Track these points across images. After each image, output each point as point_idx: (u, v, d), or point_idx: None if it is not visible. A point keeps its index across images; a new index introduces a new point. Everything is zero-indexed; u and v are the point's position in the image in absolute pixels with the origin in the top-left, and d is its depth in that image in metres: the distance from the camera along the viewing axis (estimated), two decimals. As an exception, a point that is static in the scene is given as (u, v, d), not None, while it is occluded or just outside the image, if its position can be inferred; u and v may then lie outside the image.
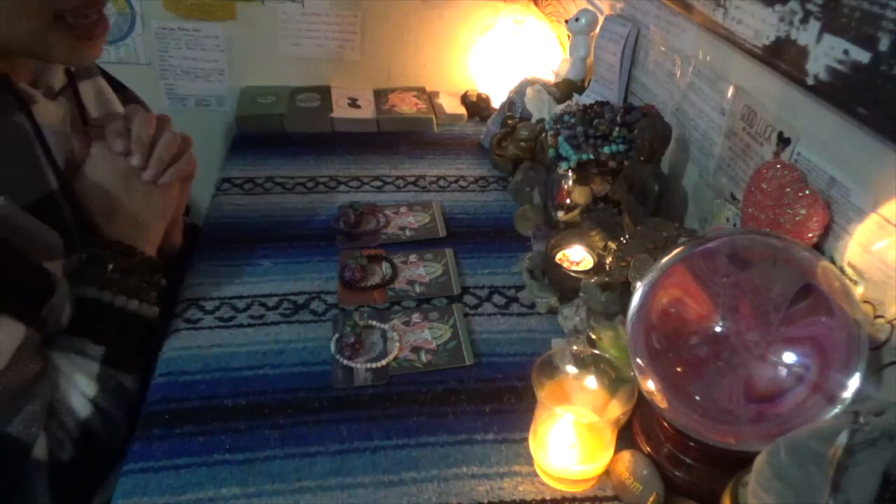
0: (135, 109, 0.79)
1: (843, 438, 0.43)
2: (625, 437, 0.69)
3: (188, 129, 1.49)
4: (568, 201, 0.96)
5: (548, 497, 0.66)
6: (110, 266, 0.73)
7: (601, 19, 1.19)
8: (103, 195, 0.75)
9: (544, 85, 1.24)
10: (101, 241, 0.74)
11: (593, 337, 0.78)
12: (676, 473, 0.65)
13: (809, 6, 0.65)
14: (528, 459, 0.69)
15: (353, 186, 1.15)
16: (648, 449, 0.67)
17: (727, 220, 0.81)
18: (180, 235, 0.92)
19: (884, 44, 0.55)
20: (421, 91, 1.48)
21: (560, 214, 0.97)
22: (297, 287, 0.90)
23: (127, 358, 0.74)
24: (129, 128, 0.77)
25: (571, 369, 0.70)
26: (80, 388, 0.69)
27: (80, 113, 0.81)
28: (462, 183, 1.19)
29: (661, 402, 0.62)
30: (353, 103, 1.40)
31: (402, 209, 1.08)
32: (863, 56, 0.58)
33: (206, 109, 1.49)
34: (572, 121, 0.94)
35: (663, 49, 1.00)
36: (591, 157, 0.91)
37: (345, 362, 0.78)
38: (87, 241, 0.74)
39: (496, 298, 0.91)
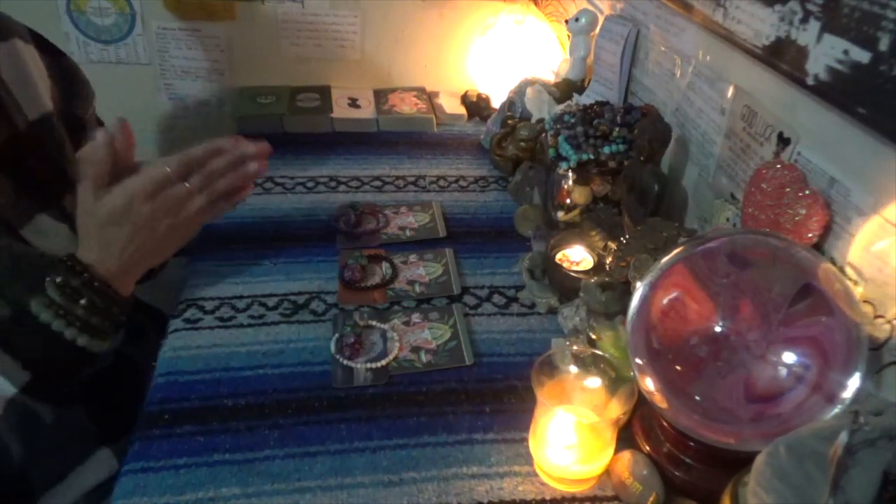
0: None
1: (843, 438, 0.44)
2: (625, 437, 0.69)
3: (188, 129, 1.50)
4: (568, 201, 0.96)
5: (548, 497, 0.66)
6: (58, 278, 0.69)
7: (601, 19, 1.19)
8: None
9: (544, 85, 1.24)
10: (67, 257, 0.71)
11: (593, 337, 0.78)
12: (676, 473, 0.65)
13: (809, 6, 0.65)
14: (528, 459, 0.69)
15: (353, 186, 1.15)
16: (648, 449, 0.67)
17: (727, 220, 0.81)
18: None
19: (884, 44, 0.55)
20: (421, 91, 1.48)
21: (560, 214, 0.97)
22: (297, 287, 0.90)
23: (52, 390, 0.71)
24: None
25: (571, 369, 0.70)
26: None
27: None
28: (462, 183, 1.19)
29: (661, 402, 0.62)
30: (353, 103, 1.40)
31: (402, 209, 1.08)
32: (863, 56, 0.58)
33: (206, 109, 1.49)
34: (572, 121, 0.94)
35: (663, 49, 1.00)
36: (591, 157, 0.91)
37: (345, 362, 0.78)
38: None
39: (496, 298, 0.91)
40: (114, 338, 0.74)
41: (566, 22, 1.24)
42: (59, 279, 0.69)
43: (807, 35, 0.65)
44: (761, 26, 0.73)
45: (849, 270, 0.62)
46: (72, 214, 0.84)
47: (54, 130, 0.83)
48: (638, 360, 0.63)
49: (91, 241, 0.72)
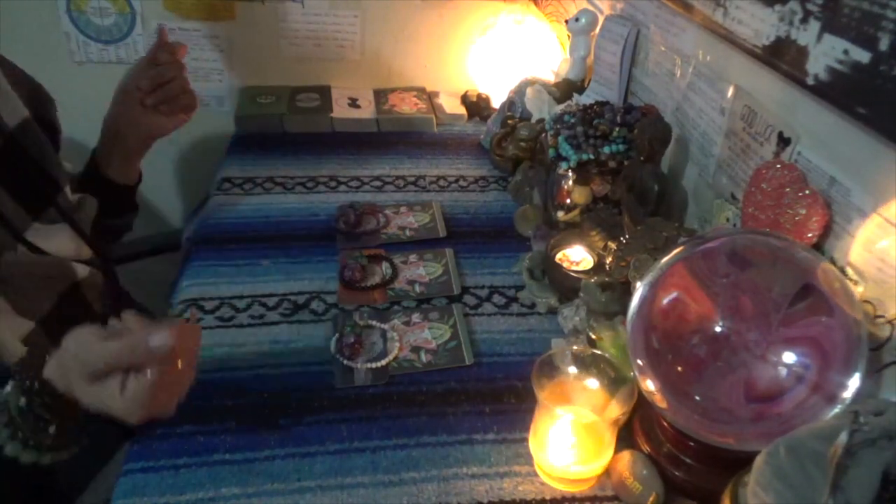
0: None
1: (843, 438, 0.43)
2: (625, 437, 0.69)
3: (188, 129, 1.49)
4: (568, 201, 0.96)
5: (548, 497, 0.66)
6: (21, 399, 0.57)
7: (601, 19, 1.19)
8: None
9: (544, 85, 1.24)
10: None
11: (593, 337, 0.78)
12: (676, 473, 0.65)
13: (809, 6, 0.65)
14: (528, 459, 0.68)
15: (353, 186, 1.15)
16: (648, 449, 0.67)
17: (727, 220, 0.81)
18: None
19: (884, 44, 0.55)
20: (421, 91, 1.48)
21: (560, 214, 0.97)
22: (297, 287, 0.90)
23: None
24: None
25: (571, 369, 0.70)
26: None
27: None
28: (462, 183, 1.19)
29: (661, 402, 0.62)
30: (353, 103, 1.40)
31: (402, 209, 1.08)
32: (863, 56, 0.58)
33: (206, 109, 1.48)
34: (572, 121, 0.94)
35: (663, 49, 1.00)
36: (591, 157, 0.91)
37: (345, 362, 0.78)
38: None
39: (496, 298, 0.91)
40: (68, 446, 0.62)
41: (566, 22, 1.23)
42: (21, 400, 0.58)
43: (807, 35, 0.65)
44: (761, 26, 0.72)
45: (849, 270, 0.62)
46: (68, 213, 0.83)
47: (35, 135, 0.82)
48: (638, 361, 0.63)
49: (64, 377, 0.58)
